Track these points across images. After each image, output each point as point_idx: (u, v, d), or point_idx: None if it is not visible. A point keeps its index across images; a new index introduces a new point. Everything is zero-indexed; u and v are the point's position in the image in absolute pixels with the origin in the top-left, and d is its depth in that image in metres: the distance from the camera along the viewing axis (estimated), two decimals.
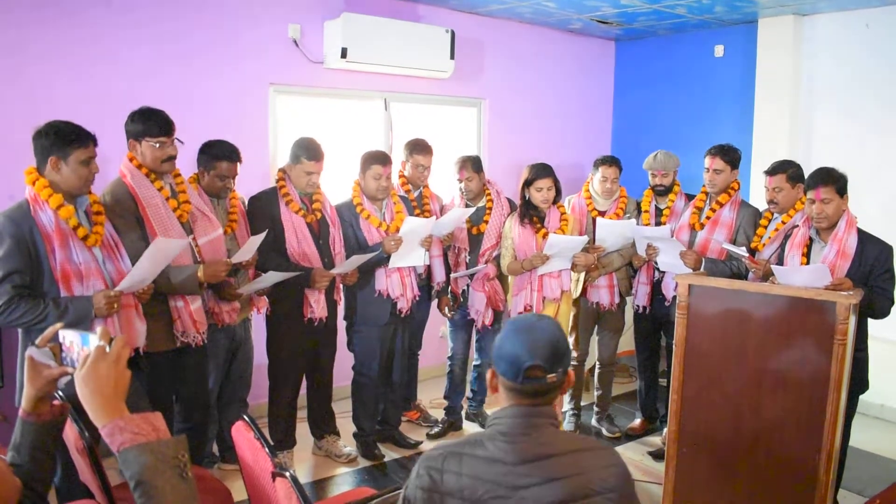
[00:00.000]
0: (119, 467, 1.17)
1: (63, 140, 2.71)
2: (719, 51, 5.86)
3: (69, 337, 1.35)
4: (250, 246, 3.41)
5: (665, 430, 3.88)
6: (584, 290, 4.46)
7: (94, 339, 1.28)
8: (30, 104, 3.71)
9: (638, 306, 4.45)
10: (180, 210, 3.21)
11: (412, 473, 1.69)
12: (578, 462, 1.63)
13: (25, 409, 1.42)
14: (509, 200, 4.45)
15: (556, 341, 1.67)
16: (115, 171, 3.21)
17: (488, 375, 1.75)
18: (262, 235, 3.46)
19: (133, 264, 2.94)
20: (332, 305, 3.93)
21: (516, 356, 1.65)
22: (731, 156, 4.03)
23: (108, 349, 1.26)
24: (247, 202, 3.86)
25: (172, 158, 3.17)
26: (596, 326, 4.62)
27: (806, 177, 3.44)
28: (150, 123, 3.09)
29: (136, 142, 3.10)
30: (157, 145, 3.09)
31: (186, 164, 3.49)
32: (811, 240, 3.33)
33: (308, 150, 3.71)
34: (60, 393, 1.97)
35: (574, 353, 4.54)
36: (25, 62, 3.76)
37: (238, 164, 3.63)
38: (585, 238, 4.08)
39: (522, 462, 1.61)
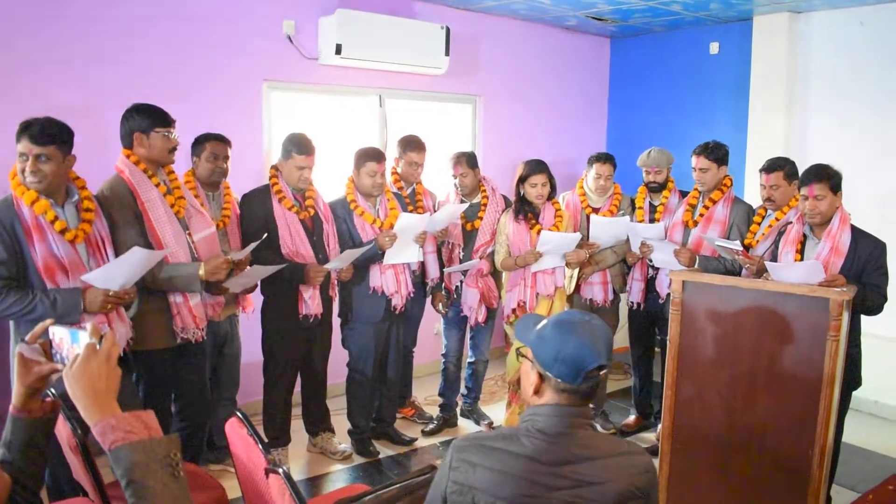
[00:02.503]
0: (110, 466, 1.16)
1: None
2: (714, 48, 5.87)
3: (59, 333, 1.34)
4: (249, 248, 3.43)
5: (659, 426, 3.88)
6: (578, 287, 4.46)
7: (83, 336, 1.27)
8: (20, 99, 3.68)
9: (632, 303, 4.46)
10: (177, 206, 3.23)
11: (444, 462, 1.67)
12: (613, 467, 1.62)
13: (16, 405, 1.41)
14: (504, 197, 4.44)
15: (610, 339, 1.71)
16: (105, 165, 3.20)
17: (533, 379, 1.69)
18: (262, 239, 3.47)
19: None
20: (326, 302, 3.92)
21: (580, 358, 1.63)
22: (715, 154, 4.03)
23: (98, 346, 1.25)
24: (240, 200, 3.85)
25: (176, 149, 3.23)
26: None
27: (800, 173, 3.44)
28: (157, 115, 3.14)
29: (142, 135, 3.12)
30: (168, 134, 3.15)
31: (179, 161, 3.49)
32: (805, 236, 3.34)
33: (299, 145, 3.70)
34: (52, 390, 1.96)
35: None
36: (17, 58, 3.73)
37: (228, 146, 3.69)
38: (578, 235, 4.08)
39: (559, 463, 1.60)
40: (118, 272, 2.83)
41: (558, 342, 1.65)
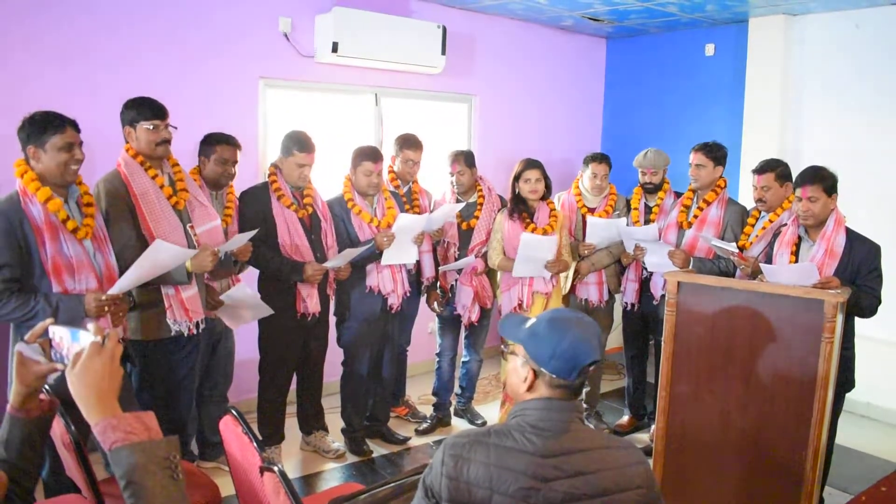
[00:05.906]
0: (109, 465, 1.16)
1: (37, 128, 2.69)
2: (710, 49, 5.88)
3: (59, 332, 1.33)
4: (238, 240, 3.41)
5: (653, 427, 3.89)
6: (574, 287, 4.47)
7: (84, 335, 1.27)
8: (14, 97, 3.65)
9: (626, 303, 4.47)
10: (177, 198, 3.22)
11: (434, 460, 1.69)
12: (607, 458, 1.66)
13: (14, 404, 1.40)
14: (500, 197, 4.45)
15: (600, 335, 1.75)
16: (104, 164, 3.19)
17: (527, 375, 1.70)
18: (252, 233, 3.45)
19: (118, 255, 2.94)
20: (324, 300, 3.91)
21: (576, 354, 1.66)
22: (714, 152, 4.05)
23: (102, 345, 1.24)
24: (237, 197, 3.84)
25: (167, 142, 3.19)
26: None
27: (794, 175, 3.46)
28: (143, 107, 3.12)
29: (131, 128, 3.12)
30: (152, 127, 3.11)
31: (183, 157, 3.48)
32: (800, 238, 3.35)
33: (300, 143, 3.70)
34: (48, 388, 1.96)
35: None
36: (10, 54, 3.71)
37: (237, 150, 3.69)
38: (554, 239, 4.06)
39: (553, 455, 1.63)
40: (144, 272, 2.82)
41: (555, 339, 1.67)
